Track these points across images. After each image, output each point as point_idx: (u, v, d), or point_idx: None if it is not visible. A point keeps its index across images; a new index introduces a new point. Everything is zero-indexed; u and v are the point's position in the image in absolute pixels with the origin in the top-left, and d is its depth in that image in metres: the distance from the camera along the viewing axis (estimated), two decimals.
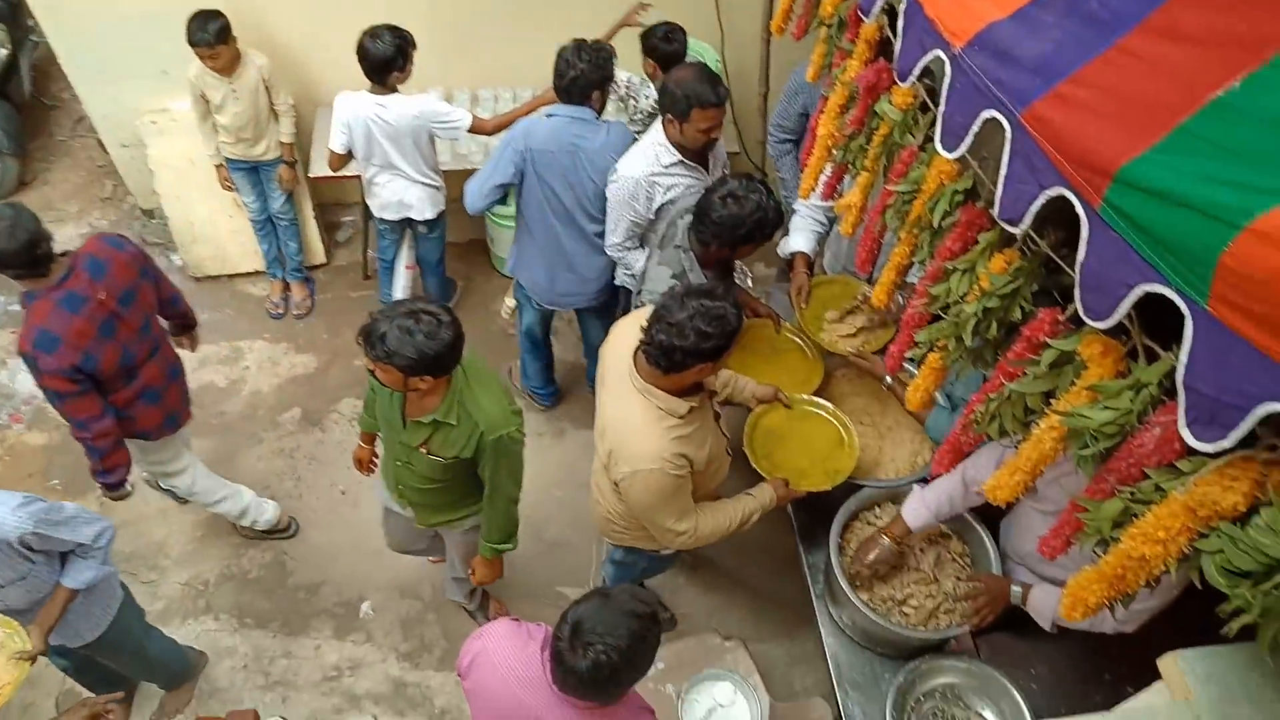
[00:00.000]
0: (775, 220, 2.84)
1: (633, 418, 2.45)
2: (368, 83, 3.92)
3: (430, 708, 3.71)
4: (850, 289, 3.40)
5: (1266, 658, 1.22)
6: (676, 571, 3.97)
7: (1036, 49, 1.57)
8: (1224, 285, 1.16)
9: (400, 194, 4.23)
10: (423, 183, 4.22)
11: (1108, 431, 1.43)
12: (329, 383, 4.79)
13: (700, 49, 4.63)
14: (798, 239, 3.53)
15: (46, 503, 2.53)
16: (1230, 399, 1.17)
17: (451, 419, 2.60)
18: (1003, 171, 1.58)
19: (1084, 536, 1.50)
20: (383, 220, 4.40)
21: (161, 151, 4.68)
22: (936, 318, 1.95)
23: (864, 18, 2.15)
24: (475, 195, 3.75)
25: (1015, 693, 2.55)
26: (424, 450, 2.70)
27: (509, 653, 2.15)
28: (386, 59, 3.78)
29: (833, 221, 3.49)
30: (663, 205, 3.34)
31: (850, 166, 2.36)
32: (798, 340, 3.38)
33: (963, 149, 1.72)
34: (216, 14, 3.99)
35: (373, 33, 3.76)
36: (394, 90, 3.97)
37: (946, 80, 1.76)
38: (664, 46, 3.81)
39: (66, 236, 5.30)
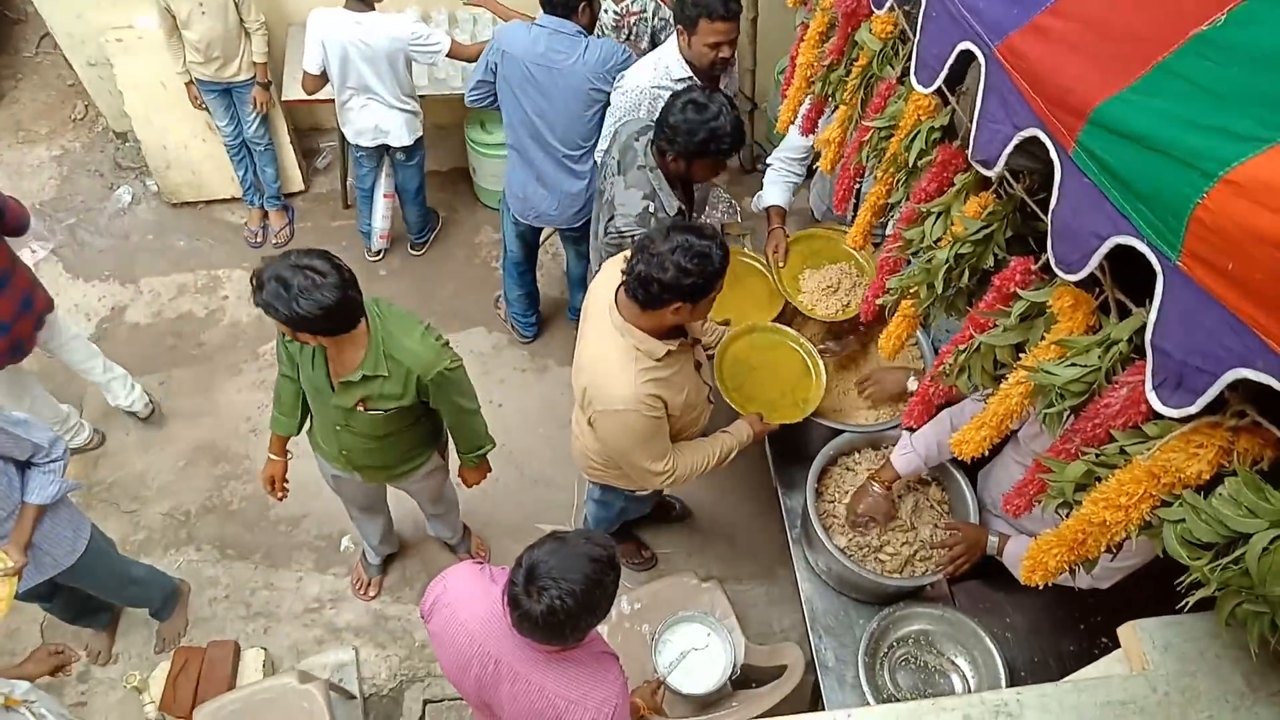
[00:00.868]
0: (733, 135, 2.69)
1: (610, 357, 2.39)
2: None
3: (410, 640, 3.74)
4: (831, 244, 3.22)
5: (1222, 630, 1.17)
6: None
7: None
8: (1196, 240, 1.07)
9: (376, 119, 4.10)
10: (399, 108, 4.09)
11: (1074, 390, 1.36)
12: None
13: None
14: (772, 192, 3.37)
15: None
16: (1199, 362, 1.09)
17: (382, 370, 2.52)
18: (977, 109, 1.48)
19: (1047, 498, 1.44)
20: (358, 147, 4.27)
21: (129, 71, 4.51)
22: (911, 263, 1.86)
23: None
24: (467, 87, 3.71)
25: (988, 640, 2.54)
26: (362, 408, 2.62)
27: (470, 596, 2.13)
28: None
29: (811, 168, 3.34)
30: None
31: (829, 99, 2.24)
32: (758, 265, 3.26)
33: (937, 83, 1.61)
34: None
35: None
36: (371, 7, 3.81)
37: (922, 7, 1.64)
38: None
39: (38, 159, 5.18)
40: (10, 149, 5.23)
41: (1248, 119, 1.06)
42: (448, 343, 2.67)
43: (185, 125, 4.67)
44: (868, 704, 2.48)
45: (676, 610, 2.94)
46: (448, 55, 3.95)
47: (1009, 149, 1.42)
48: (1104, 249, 1.23)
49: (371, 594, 3.82)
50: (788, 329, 3.07)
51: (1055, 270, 1.35)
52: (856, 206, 2.29)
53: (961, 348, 1.66)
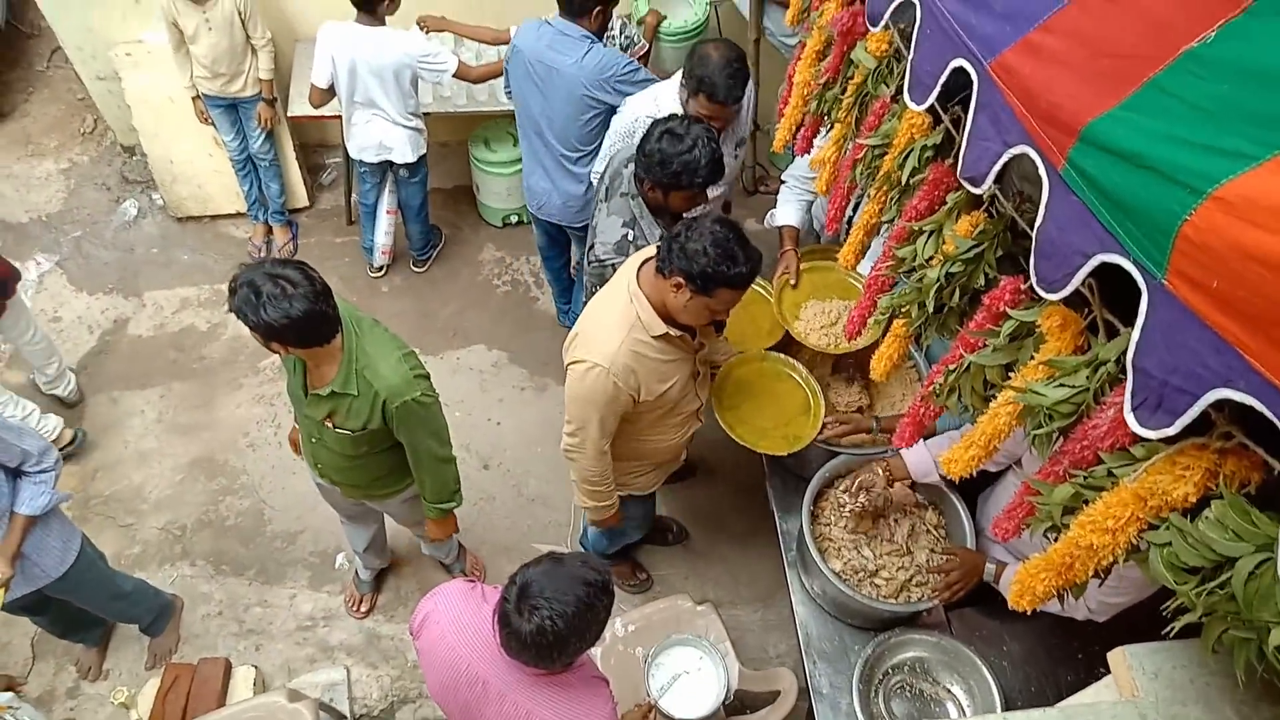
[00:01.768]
0: (708, 169, 2.64)
1: (611, 313, 2.41)
2: (352, 14, 3.80)
3: (403, 661, 3.70)
4: (842, 281, 3.14)
5: (1209, 659, 1.14)
6: None
7: None
8: (1182, 258, 1.05)
9: (380, 135, 4.13)
10: (404, 125, 4.11)
11: (1062, 410, 1.33)
12: None
13: None
14: (785, 211, 3.31)
15: None
16: (1180, 382, 1.07)
17: (351, 389, 2.48)
18: (967, 127, 1.47)
19: (1035, 521, 1.42)
20: (362, 163, 4.30)
21: (138, 86, 4.54)
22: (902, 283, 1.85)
23: None
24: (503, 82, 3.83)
25: (984, 669, 2.50)
26: (329, 424, 2.59)
27: (460, 614, 2.11)
28: None
29: None
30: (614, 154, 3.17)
31: (825, 118, 2.23)
32: (765, 293, 3.21)
33: (930, 100, 1.60)
34: None
35: None
36: (382, 22, 3.84)
37: (917, 25, 1.64)
38: None
39: (46, 171, 5.22)
40: (19, 161, 5.27)
41: (1237, 136, 1.05)
42: (426, 375, 2.62)
43: (192, 140, 4.70)
44: None
45: (670, 633, 2.91)
46: (454, 75, 3.98)
47: (998, 166, 1.41)
48: (1088, 267, 1.21)
49: (364, 610, 3.79)
50: (798, 364, 3.04)
51: (1038, 290, 1.33)
52: (849, 227, 2.28)
53: (951, 368, 1.63)
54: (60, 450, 4.09)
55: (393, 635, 3.76)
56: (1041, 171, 1.29)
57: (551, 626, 1.80)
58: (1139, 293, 1.15)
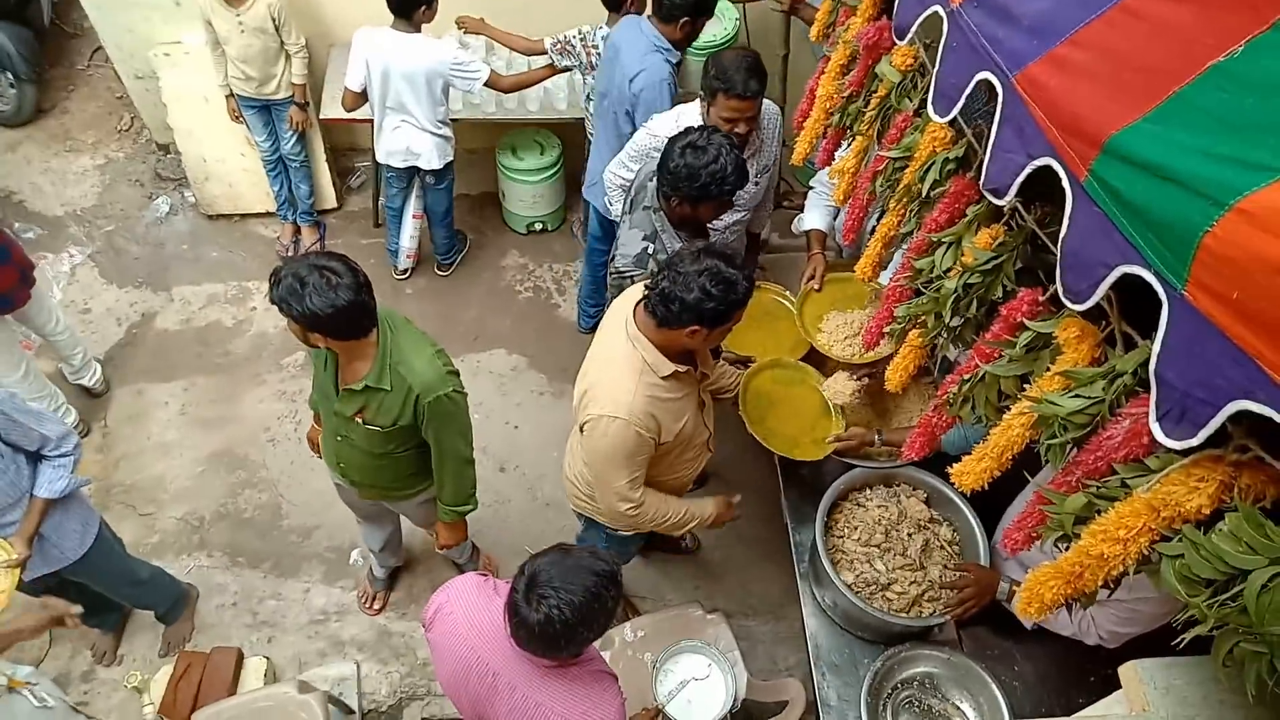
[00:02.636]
0: (735, 178, 2.65)
1: (616, 364, 2.38)
2: (388, 20, 3.86)
3: (413, 658, 3.72)
4: (866, 295, 3.11)
5: (1220, 675, 1.14)
6: None
7: (1036, 6, 1.46)
8: (1203, 269, 1.06)
9: (408, 141, 4.18)
10: (432, 132, 4.16)
11: (1078, 421, 1.34)
12: None
13: (721, 7, 4.48)
14: (813, 215, 3.33)
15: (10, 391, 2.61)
16: (1201, 393, 1.08)
17: (385, 384, 2.50)
18: (991, 139, 1.48)
19: (1046, 530, 1.42)
20: (389, 167, 4.35)
21: (175, 85, 4.63)
22: (920, 292, 1.86)
23: None
24: None
25: (994, 687, 2.48)
26: (360, 420, 2.61)
27: (472, 606, 2.12)
28: None
29: None
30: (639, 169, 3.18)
31: (847, 131, 2.25)
32: (787, 304, 3.24)
33: (953, 113, 1.61)
34: None
35: None
36: (418, 29, 3.90)
37: (943, 38, 1.65)
38: None
39: (82, 167, 5.32)
40: (57, 156, 5.38)
41: (1262, 148, 1.06)
42: (457, 373, 2.66)
43: (225, 140, 4.78)
44: None
45: (680, 640, 2.91)
46: (486, 84, 4.03)
47: (1021, 178, 1.42)
48: (1111, 278, 1.22)
49: (377, 608, 3.81)
50: (809, 368, 3.05)
51: (1063, 300, 1.34)
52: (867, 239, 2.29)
53: (966, 377, 1.64)
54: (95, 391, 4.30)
55: (404, 632, 3.78)
56: (1065, 183, 1.30)
57: (559, 615, 1.82)
58: (1159, 304, 1.16)
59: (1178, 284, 1.11)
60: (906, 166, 1.89)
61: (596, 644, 2.08)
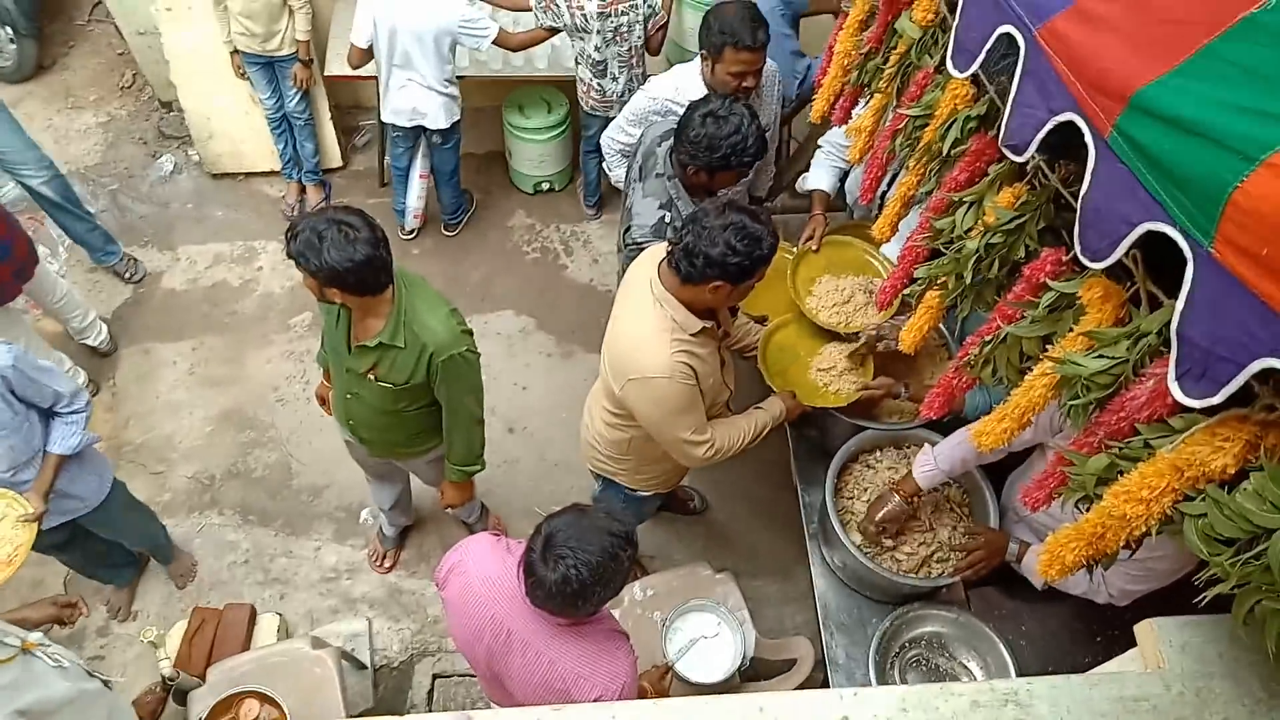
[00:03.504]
0: (756, 147, 2.64)
1: (645, 326, 2.37)
2: None
3: (423, 615, 3.77)
4: (860, 257, 3.13)
5: (1240, 632, 1.14)
6: None
7: None
8: (1231, 225, 1.05)
9: (414, 100, 4.13)
10: (438, 90, 4.11)
11: (1101, 381, 1.33)
12: None
13: None
14: (817, 174, 3.30)
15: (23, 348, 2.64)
16: (1225, 351, 1.07)
17: (399, 341, 2.51)
18: (1012, 94, 1.46)
19: (1068, 491, 1.42)
20: (395, 127, 4.30)
21: (177, 41, 4.56)
22: (937, 254, 1.84)
23: None
24: None
25: (1001, 646, 2.51)
26: (372, 377, 2.61)
27: (486, 565, 2.14)
28: None
29: None
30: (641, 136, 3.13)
31: (865, 89, 2.22)
32: (786, 254, 3.17)
33: (974, 68, 1.59)
34: None
35: None
36: None
37: None
38: None
39: (85, 124, 5.27)
40: (59, 114, 5.32)
41: None
42: (471, 332, 2.66)
43: (229, 97, 4.72)
44: None
45: (689, 599, 2.93)
46: (494, 42, 3.98)
47: (1042, 134, 1.40)
48: (1133, 235, 1.21)
49: (387, 565, 3.85)
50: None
51: (1081, 259, 1.33)
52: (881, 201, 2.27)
53: (988, 339, 1.63)
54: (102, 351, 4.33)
55: (414, 590, 3.82)
56: (1088, 139, 1.28)
57: (576, 575, 1.84)
58: (1183, 262, 1.14)
59: (1204, 240, 1.09)
60: (926, 125, 1.86)
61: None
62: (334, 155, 5.09)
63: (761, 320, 3.02)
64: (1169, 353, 1.22)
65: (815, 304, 3.01)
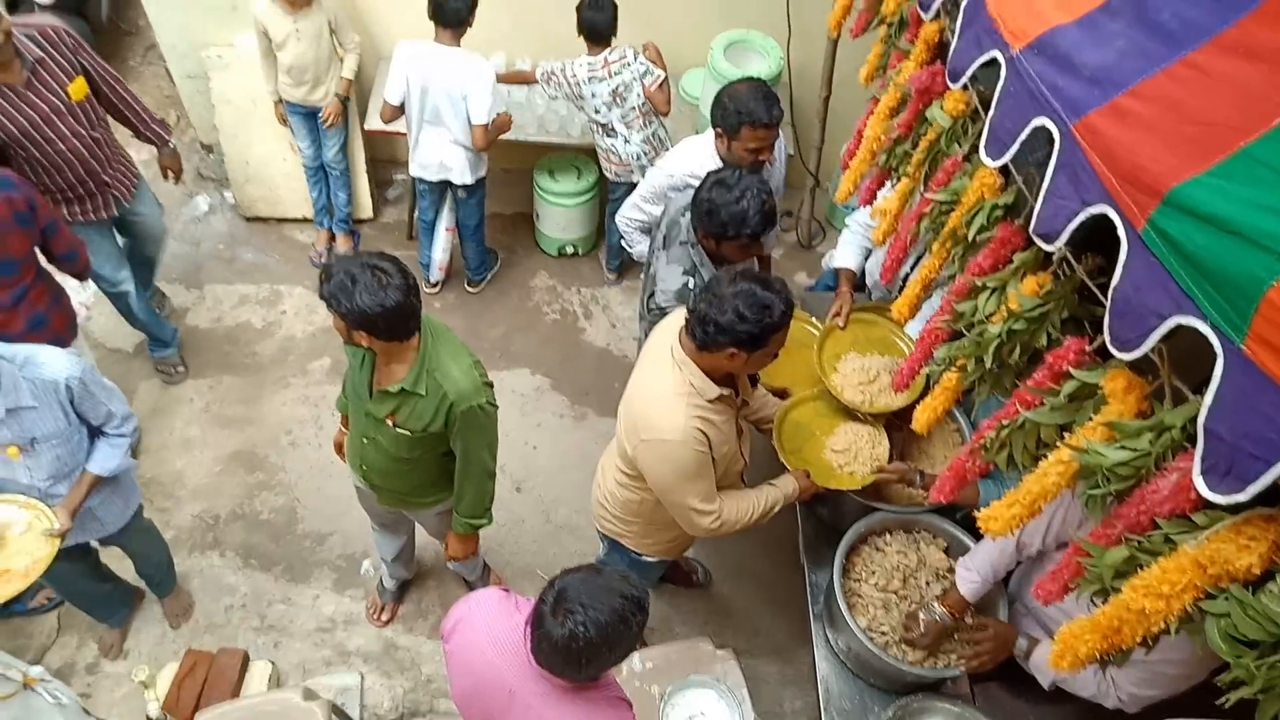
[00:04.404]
0: (759, 219, 2.66)
1: (663, 388, 2.38)
2: (428, 35, 3.94)
3: (417, 673, 3.70)
4: (887, 337, 3.12)
5: None
6: None
7: (1099, 58, 1.47)
8: (1265, 323, 1.05)
9: (441, 155, 4.23)
10: (465, 146, 4.19)
11: (1122, 473, 1.32)
12: None
13: (766, 45, 4.54)
14: (844, 253, 3.34)
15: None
16: (1253, 448, 1.06)
17: (420, 389, 2.52)
18: (1045, 184, 1.48)
19: (1084, 583, 1.40)
20: (422, 180, 4.40)
21: (224, 87, 4.71)
22: (957, 335, 1.85)
23: (923, 15, 2.05)
24: None
25: None
26: (391, 422, 2.61)
27: (493, 621, 2.10)
28: (462, 8, 3.84)
29: None
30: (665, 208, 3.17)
31: (892, 173, 2.26)
32: (811, 328, 3.19)
33: (1007, 158, 1.62)
34: None
35: None
36: (458, 43, 3.95)
37: (1000, 83, 1.66)
38: (591, 14, 3.93)
39: None
40: None
41: None
42: (491, 385, 2.68)
43: (269, 144, 4.85)
44: None
45: (689, 674, 2.87)
46: (473, 125, 4.12)
47: (1074, 225, 1.42)
48: (1164, 328, 1.21)
49: (385, 619, 3.79)
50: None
51: (1110, 348, 1.33)
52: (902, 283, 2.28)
53: (1004, 423, 1.63)
54: None
55: (410, 647, 3.76)
56: (1120, 232, 1.30)
57: (584, 633, 1.80)
58: (1213, 357, 1.15)
59: (1236, 337, 1.10)
60: (952, 210, 1.89)
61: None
62: (366, 206, 5.18)
63: (782, 393, 3.01)
64: (1193, 448, 1.21)
65: (840, 381, 3.00)
